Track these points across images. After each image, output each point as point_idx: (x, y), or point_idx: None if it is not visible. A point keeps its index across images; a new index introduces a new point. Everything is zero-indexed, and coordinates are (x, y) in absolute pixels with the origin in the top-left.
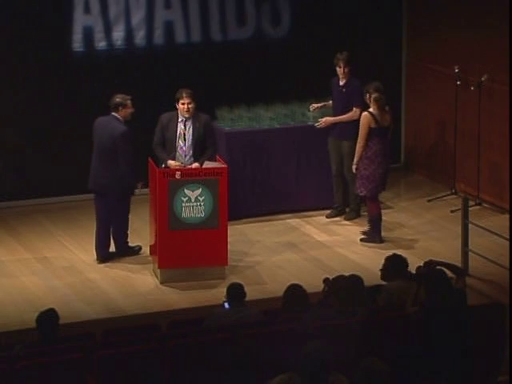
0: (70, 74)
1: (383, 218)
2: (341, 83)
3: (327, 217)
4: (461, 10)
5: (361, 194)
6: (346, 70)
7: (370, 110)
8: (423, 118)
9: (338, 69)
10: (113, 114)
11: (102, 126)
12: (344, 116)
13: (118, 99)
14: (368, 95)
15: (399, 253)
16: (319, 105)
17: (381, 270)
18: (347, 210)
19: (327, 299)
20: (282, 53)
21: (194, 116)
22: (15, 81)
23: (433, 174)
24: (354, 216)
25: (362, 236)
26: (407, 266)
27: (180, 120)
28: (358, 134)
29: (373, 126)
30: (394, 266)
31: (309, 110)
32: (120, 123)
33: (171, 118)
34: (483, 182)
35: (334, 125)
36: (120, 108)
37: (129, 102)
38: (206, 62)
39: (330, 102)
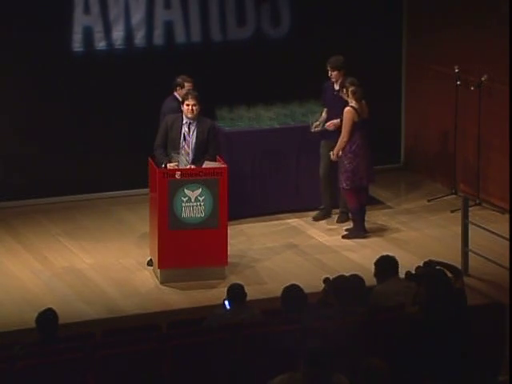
0: (70, 73)
1: (383, 218)
2: (336, 87)
3: (314, 219)
4: (461, 10)
5: (346, 188)
6: (333, 73)
7: (352, 104)
8: (423, 118)
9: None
10: (174, 93)
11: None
12: None
13: (178, 79)
14: (345, 90)
15: (400, 253)
16: (319, 123)
17: (374, 275)
18: (338, 213)
19: (327, 299)
20: (282, 53)
21: (198, 119)
22: (15, 81)
23: (433, 174)
24: (345, 218)
25: (344, 233)
26: (396, 264)
27: (184, 122)
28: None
29: (356, 119)
30: (383, 267)
31: (311, 130)
32: (171, 101)
33: (176, 119)
34: (483, 182)
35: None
36: (178, 88)
37: (187, 83)
38: (206, 61)
39: (324, 114)
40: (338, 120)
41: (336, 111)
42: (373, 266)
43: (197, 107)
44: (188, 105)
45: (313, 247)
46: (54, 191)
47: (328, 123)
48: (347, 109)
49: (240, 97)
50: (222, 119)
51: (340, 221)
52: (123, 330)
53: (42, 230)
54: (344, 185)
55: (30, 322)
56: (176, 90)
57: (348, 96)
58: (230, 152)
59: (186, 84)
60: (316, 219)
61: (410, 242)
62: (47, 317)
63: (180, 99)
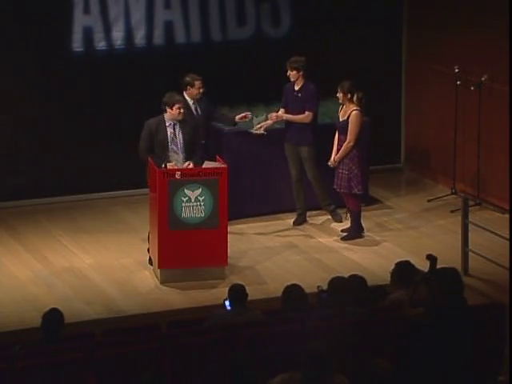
0: (70, 73)
1: (383, 218)
2: (296, 88)
3: (294, 224)
4: (461, 10)
5: (359, 193)
6: (292, 73)
7: (357, 107)
8: (423, 118)
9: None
10: (184, 93)
11: None
12: (296, 117)
13: (187, 78)
14: (349, 94)
15: (400, 253)
16: (260, 126)
17: (391, 274)
18: (331, 212)
19: (321, 302)
20: (282, 53)
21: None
22: (15, 81)
23: (433, 174)
24: (340, 217)
25: (345, 234)
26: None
27: (168, 124)
28: (314, 139)
29: (362, 123)
30: (402, 273)
31: (251, 131)
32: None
33: (159, 123)
34: (483, 182)
35: (290, 130)
36: (188, 87)
37: (197, 82)
38: (206, 61)
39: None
40: (285, 115)
41: (296, 112)
42: (373, 266)
43: (184, 110)
44: (179, 108)
45: (313, 247)
46: (54, 191)
47: (273, 114)
48: (355, 112)
49: (240, 97)
50: None
51: (339, 220)
52: (123, 329)
53: (42, 230)
54: (356, 190)
55: (30, 322)
56: (186, 90)
57: (348, 100)
58: (230, 152)
59: (196, 83)
60: (296, 224)
61: (410, 242)
62: (55, 317)
63: (189, 99)
